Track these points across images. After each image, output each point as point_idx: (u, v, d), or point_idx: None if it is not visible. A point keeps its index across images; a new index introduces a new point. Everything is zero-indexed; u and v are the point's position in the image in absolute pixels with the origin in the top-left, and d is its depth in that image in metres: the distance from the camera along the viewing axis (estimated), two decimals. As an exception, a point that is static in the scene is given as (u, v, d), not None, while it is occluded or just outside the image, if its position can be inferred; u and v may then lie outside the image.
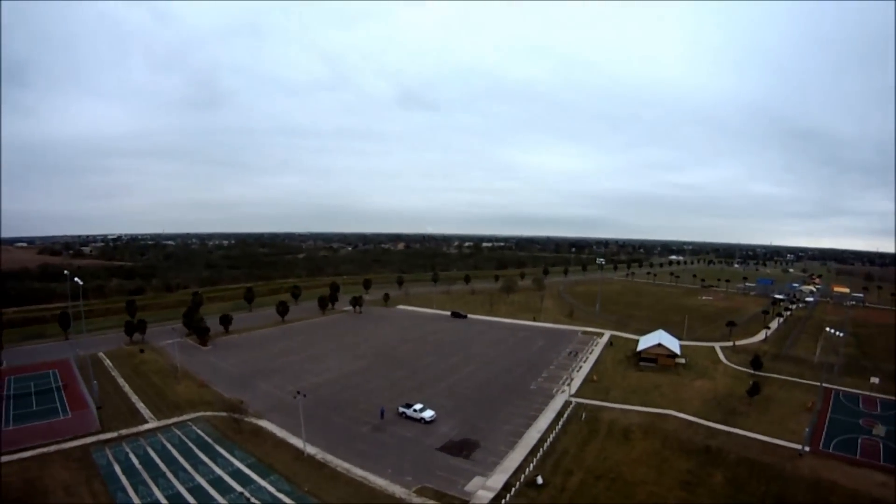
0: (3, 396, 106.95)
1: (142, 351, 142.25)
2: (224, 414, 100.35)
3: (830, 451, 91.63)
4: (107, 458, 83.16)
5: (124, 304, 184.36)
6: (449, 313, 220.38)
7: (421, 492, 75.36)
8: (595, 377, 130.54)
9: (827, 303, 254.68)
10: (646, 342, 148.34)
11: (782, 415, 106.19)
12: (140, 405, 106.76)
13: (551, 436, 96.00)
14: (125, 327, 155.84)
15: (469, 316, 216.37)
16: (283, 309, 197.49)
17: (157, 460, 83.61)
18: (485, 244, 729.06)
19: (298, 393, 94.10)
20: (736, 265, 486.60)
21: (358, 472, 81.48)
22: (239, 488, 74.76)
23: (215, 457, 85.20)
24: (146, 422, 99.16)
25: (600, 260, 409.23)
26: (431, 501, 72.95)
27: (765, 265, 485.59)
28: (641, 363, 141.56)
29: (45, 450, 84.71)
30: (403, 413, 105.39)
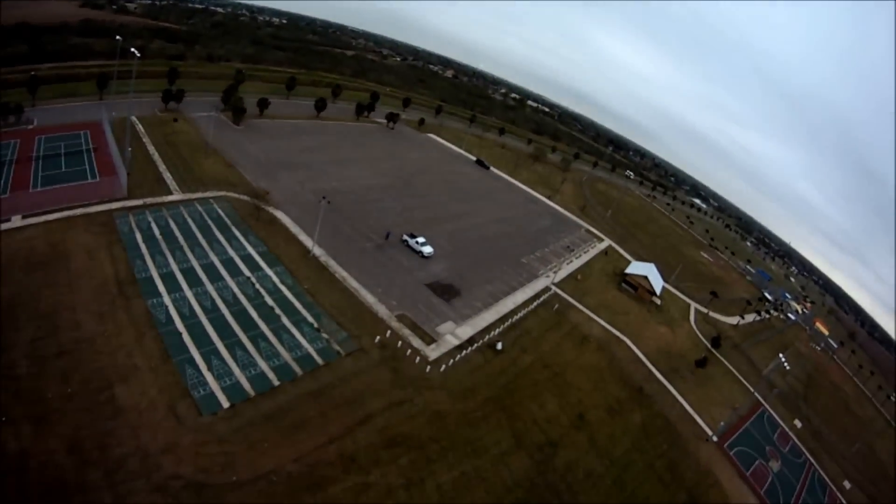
0: (32, 157, 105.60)
1: (175, 120, 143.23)
2: (246, 198, 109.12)
3: (731, 453, 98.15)
4: (129, 225, 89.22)
5: (165, 70, 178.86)
6: (474, 159, 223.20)
7: (400, 318, 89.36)
8: (579, 276, 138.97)
9: (804, 330, 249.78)
10: (635, 268, 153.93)
11: (712, 398, 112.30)
12: (167, 175, 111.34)
13: (522, 311, 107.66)
14: (162, 94, 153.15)
15: (491, 168, 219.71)
16: (321, 104, 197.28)
17: (177, 233, 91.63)
18: (530, 102, 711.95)
19: (324, 198, 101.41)
20: (748, 243, 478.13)
21: (353, 283, 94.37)
22: (247, 272, 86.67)
23: (230, 238, 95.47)
24: (171, 193, 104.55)
25: (629, 172, 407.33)
26: (406, 330, 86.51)
27: (773, 259, 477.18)
28: (623, 285, 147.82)
29: (70, 213, 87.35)
30: (406, 242, 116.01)
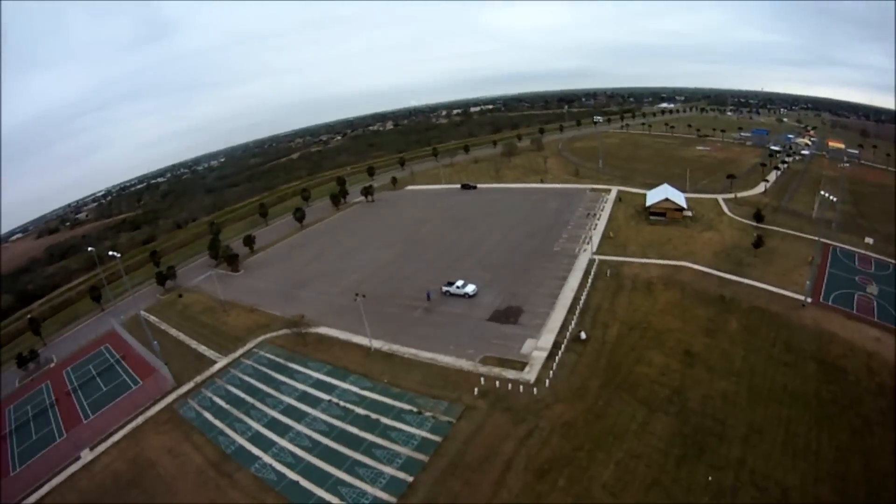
0: (69, 391, 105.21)
1: (180, 296, 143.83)
2: (285, 331, 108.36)
3: (829, 303, 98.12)
4: (193, 410, 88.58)
5: (145, 257, 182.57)
6: (458, 186, 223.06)
7: (485, 361, 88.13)
8: (611, 234, 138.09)
9: (822, 157, 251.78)
10: (653, 197, 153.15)
11: (785, 267, 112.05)
12: (202, 348, 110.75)
13: (583, 293, 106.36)
14: (156, 278, 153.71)
15: (478, 186, 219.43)
16: (300, 214, 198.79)
17: (241, 394, 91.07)
18: (473, 108, 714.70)
19: (357, 295, 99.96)
20: (729, 113, 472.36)
21: (425, 354, 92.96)
22: (325, 396, 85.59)
23: (292, 374, 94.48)
24: (214, 362, 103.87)
25: (597, 118, 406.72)
26: (496, 368, 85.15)
27: (758, 113, 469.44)
28: (651, 218, 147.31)
29: (133, 425, 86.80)
30: (447, 291, 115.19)
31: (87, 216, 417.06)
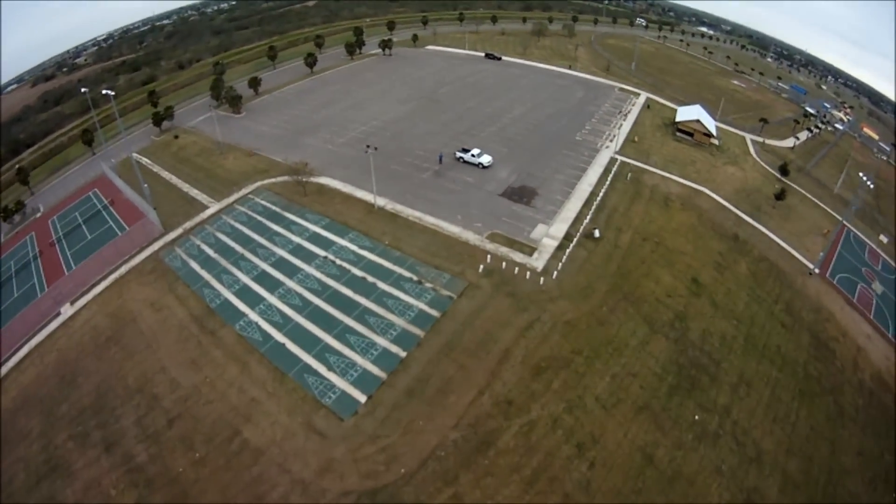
0: (53, 242, 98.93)
1: (176, 137, 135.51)
2: (285, 178, 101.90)
3: (834, 282, 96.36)
4: (180, 259, 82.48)
5: (144, 97, 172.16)
6: (482, 54, 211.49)
7: (493, 238, 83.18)
8: (636, 138, 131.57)
9: (854, 138, 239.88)
10: (684, 114, 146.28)
11: (800, 229, 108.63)
12: (194, 192, 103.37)
13: (601, 191, 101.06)
14: (152, 119, 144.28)
15: (503, 58, 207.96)
16: (311, 60, 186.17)
17: (231, 243, 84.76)
18: None
19: (368, 147, 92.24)
20: (769, 59, 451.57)
21: (430, 219, 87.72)
22: (321, 252, 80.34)
23: (288, 225, 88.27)
24: (206, 207, 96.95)
25: (640, 20, 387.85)
26: (504, 248, 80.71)
27: (798, 71, 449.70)
28: (678, 134, 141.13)
29: (115, 275, 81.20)
30: (461, 158, 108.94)
31: (85, 60, 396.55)
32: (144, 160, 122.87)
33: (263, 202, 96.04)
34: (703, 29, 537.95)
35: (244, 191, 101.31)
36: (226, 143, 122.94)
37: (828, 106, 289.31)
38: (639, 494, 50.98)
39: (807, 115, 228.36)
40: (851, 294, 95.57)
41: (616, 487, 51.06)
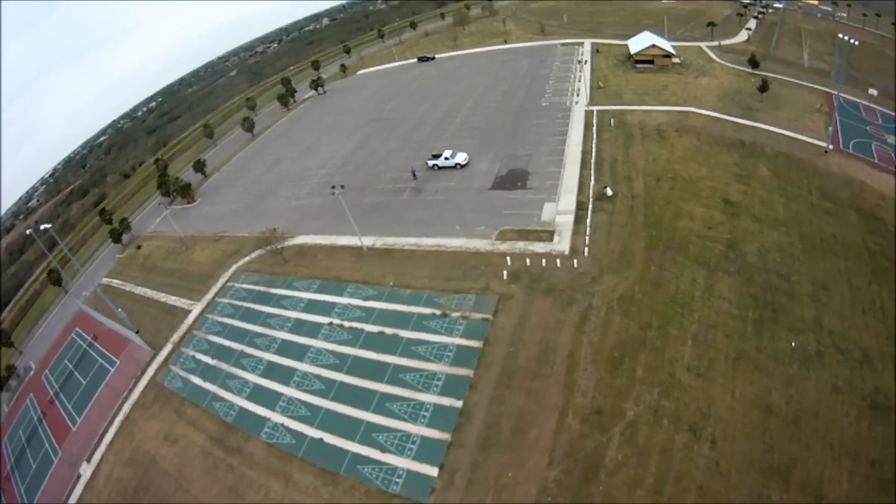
0: (52, 398, 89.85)
1: (139, 247, 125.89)
2: (259, 252, 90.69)
3: (851, 151, 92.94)
4: (178, 377, 72.85)
5: (97, 218, 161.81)
6: (415, 60, 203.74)
7: (503, 236, 73.13)
8: (601, 83, 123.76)
9: (795, 11, 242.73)
10: (637, 44, 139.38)
11: (795, 113, 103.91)
12: (172, 299, 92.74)
13: (592, 146, 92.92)
14: (111, 237, 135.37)
15: (436, 56, 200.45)
16: (248, 124, 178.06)
17: (227, 342, 74.31)
18: None
19: (333, 187, 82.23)
20: None
21: (428, 241, 77.13)
22: (324, 319, 69.32)
23: (279, 302, 76.81)
24: (188, 311, 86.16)
25: None
26: (520, 243, 70.92)
27: None
28: (638, 65, 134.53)
29: (120, 417, 72.26)
30: (435, 165, 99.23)
31: (38, 201, 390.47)
32: (115, 282, 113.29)
33: (245, 286, 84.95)
34: None
35: (221, 280, 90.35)
36: (189, 236, 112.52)
37: None
38: (772, 452, 44.51)
39: (745, 5, 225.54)
40: (870, 156, 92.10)
41: (748, 455, 44.39)
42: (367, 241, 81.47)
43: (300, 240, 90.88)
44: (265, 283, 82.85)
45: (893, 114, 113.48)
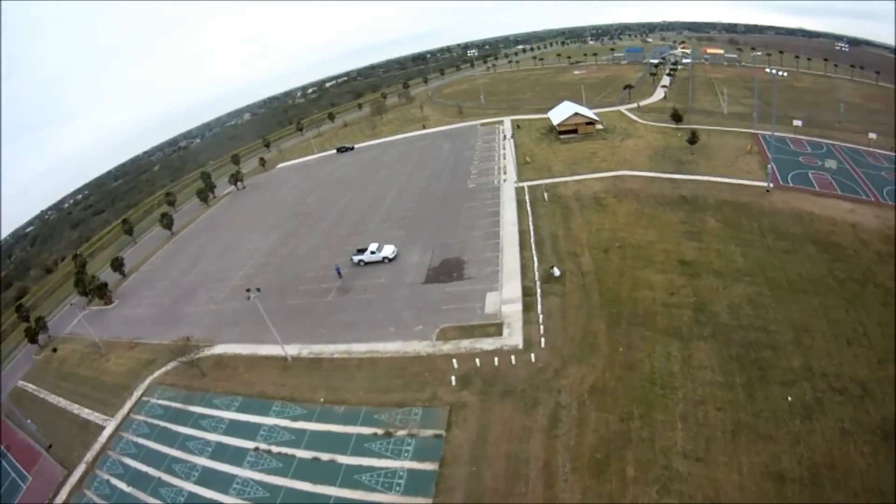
0: None
1: (55, 350, 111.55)
2: (175, 363, 77.63)
3: (791, 184, 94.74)
4: (92, 502, 60.66)
5: (12, 319, 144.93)
6: (334, 151, 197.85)
7: (444, 335, 63.76)
8: (527, 158, 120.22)
9: (703, 63, 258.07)
10: (559, 115, 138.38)
11: (728, 159, 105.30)
12: (86, 412, 79.47)
13: (529, 224, 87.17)
14: (26, 336, 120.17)
15: (356, 146, 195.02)
16: (167, 221, 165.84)
17: (143, 467, 61.86)
18: (328, 84, 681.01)
19: (249, 291, 71.32)
20: (591, 42, 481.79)
21: (360, 347, 66.60)
22: (249, 444, 57.51)
23: (197, 422, 64.80)
24: (102, 427, 73.60)
25: (472, 51, 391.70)
26: (465, 341, 61.72)
27: (620, 39, 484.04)
28: (562, 136, 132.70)
29: None
30: (361, 261, 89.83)
31: None
32: (30, 387, 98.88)
33: (161, 402, 71.92)
34: (520, 47, 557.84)
35: (136, 394, 76.85)
36: (105, 340, 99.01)
37: (665, 50, 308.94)
38: None
39: (656, 65, 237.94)
40: (811, 186, 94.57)
41: None
42: (292, 350, 70.52)
43: (219, 349, 78.89)
44: (182, 400, 70.22)
45: (822, 140, 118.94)
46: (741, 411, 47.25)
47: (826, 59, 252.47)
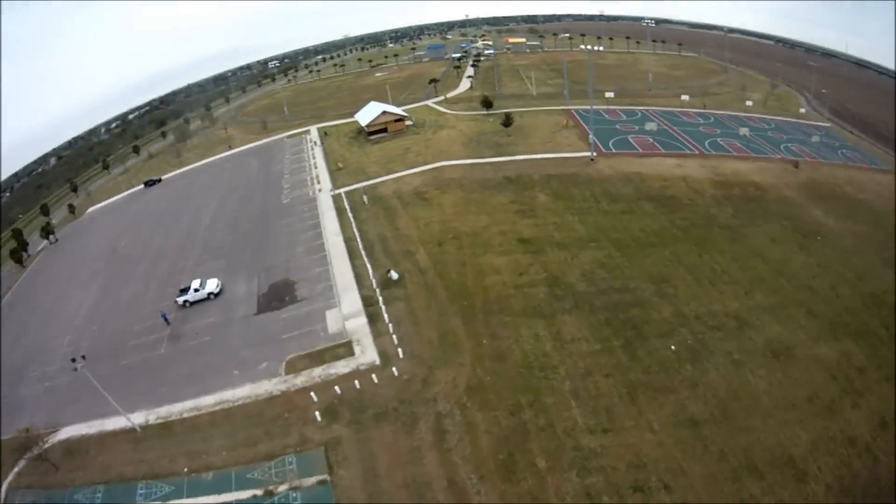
0: None
1: None
2: (22, 464, 61.09)
3: (615, 151, 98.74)
4: None
5: None
6: (142, 185, 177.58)
7: (293, 368, 56.03)
8: (340, 164, 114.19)
9: (506, 53, 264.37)
10: (367, 115, 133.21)
11: (545, 136, 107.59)
12: None
13: (354, 231, 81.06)
14: None
15: (164, 177, 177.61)
16: None
17: None
18: (131, 116, 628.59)
19: (74, 360, 56.77)
20: (391, 45, 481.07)
21: (209, 400, 56.49)
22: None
23: None
24: None
25: (273, 64, 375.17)
26: (318, 369, 54.72)
27: (420, 39, 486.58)
28: (372, 137, 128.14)
29: None
30: (186, 302, 77.82)
31: None
32: None
33: (24, 505, 58.15)
34: (319, 58, 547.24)
35: (-4, 507, 62.24)
36: None
37: (466, 44, 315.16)
38: (726, 457, 39.56)
39: (460, 58, 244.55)
40: (633, 149, 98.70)
41: (707, 476, 38.56)
42: (138, 418, 58.96)
43: (65, 433, 63.92)
44: (45, 499, 57.79)
45: (635, 108, 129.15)
46: (630, 372, 46.35)
47: (628, 38, 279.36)
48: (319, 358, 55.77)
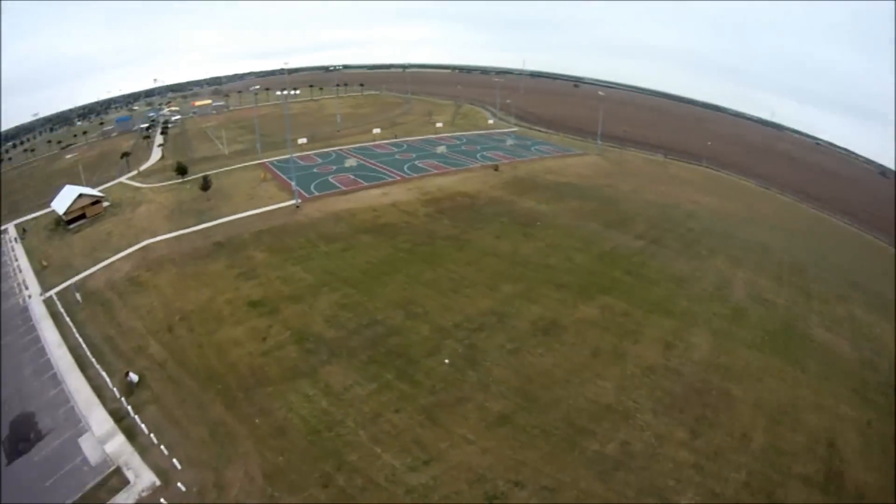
0: None
1: None
2: None
3: (318, 194, 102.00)
4: None
5: None
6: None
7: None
8: (44, 262, 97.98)
9: (193, 117, 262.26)
10: (63, 202, 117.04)
11: (246, 194, 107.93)
12: None
13: (75, 336, 69.41)
14: None
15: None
16: None
17: None
18: None
19: None
20: (79, 122, 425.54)
21: None
22: None
23: None
24: None
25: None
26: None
27: (107, 113, 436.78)
28: (71, 225, 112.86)
29: None
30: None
31: None
32: None
33: None
34: (10, 143, 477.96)
35: None
36: None
37: (154, 113, 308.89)
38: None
39: (147, 129, 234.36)
40: (337, 188, 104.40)
41: None
42: None
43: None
44: None
45: (329, 150, 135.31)
46: (418, 399, 46.80)
47: (311, 86, 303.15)
48: (95, 498, 46.45)
